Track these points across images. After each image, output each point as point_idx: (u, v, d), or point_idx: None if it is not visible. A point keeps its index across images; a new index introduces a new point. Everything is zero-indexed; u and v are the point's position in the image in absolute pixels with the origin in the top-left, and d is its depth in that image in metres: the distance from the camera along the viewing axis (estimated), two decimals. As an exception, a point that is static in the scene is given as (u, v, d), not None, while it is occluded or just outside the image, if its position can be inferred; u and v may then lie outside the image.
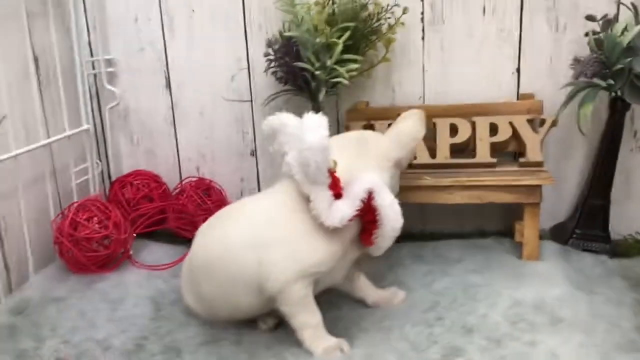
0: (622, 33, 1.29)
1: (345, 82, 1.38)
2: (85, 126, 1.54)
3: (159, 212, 1.57)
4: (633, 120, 1.45)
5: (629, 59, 1.27)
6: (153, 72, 1.65)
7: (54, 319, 1.20)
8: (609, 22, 1.33)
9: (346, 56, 1.40)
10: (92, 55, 1.63)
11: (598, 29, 1.35)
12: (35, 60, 1.42)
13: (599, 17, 1.34)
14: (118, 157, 1.73)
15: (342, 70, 1.38)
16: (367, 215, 1.08)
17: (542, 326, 1.08)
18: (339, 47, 1.37)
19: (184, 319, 1.22)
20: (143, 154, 1.72)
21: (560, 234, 1.47)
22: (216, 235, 1.14)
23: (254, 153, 1.67)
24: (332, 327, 1.12)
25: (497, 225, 1.56)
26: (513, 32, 1.47)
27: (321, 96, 1.41)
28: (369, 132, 1.26)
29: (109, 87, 1.64)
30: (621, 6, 1.38)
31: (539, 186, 1.31)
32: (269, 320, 1.18)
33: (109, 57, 1.64)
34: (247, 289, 1.09)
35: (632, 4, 1.33)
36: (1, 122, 1.29)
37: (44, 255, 1.42)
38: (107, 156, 1.70)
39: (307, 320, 1.08)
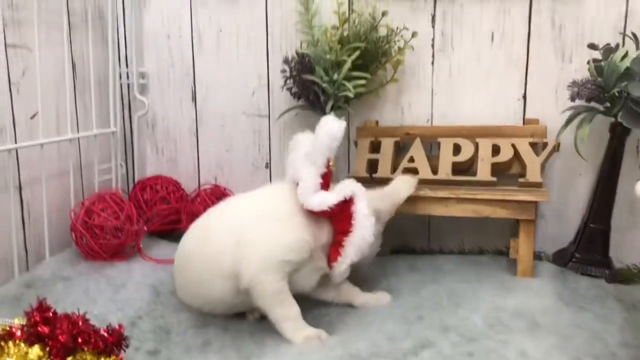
0: (622, 60, 1.32)
1: (351, 95, 1.46)
2: (112, 128, 1.66)
3: (174, 213, 1.66)
4: (639, 150, 1.46)
5: (625, 83, 1.30)
6: (181, 86, 1.78)
7: (59, 293, 1.28)
8: (610, 50, 1.37)
9: (355, 73, 1.49)
10: (127, 66, 1.77)
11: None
12: (73, 65, 1.57)
13: (601, 46, 1.39)
14: (143, 162, 1.84)
15: (349, 84, 1.46)
16: (342, 224, 1.15)
17: (518, 329, 1.08)
18: (347, 64, 1.47)
19: (179, 305, 1.27)
20: (166, 161, 1.83)
21: (561, 258, 1.47)
22: (199, 223, 1.24)
23: (268, 165, 1.75)
24: (317, 322, 1.17)
25: (497, 245, 1.57)
26: (520, 59, 1.53)
27: (328, 108, 1.49)
28: None
29: (139, 97, 1.77)
30: (626, 36, 1.42)
31: (533, 202, 1.33)
32: (256, 312, 1.22)
33: (142, 70, 1.78)
34: (222, 277, 1.14)
35: (633, 34, 1.37)
36: (33, 117, 1.42)
37: (61, 241, 1.51)
38: (133, 160, 1.82)
39: (285, 312, 1.13)
